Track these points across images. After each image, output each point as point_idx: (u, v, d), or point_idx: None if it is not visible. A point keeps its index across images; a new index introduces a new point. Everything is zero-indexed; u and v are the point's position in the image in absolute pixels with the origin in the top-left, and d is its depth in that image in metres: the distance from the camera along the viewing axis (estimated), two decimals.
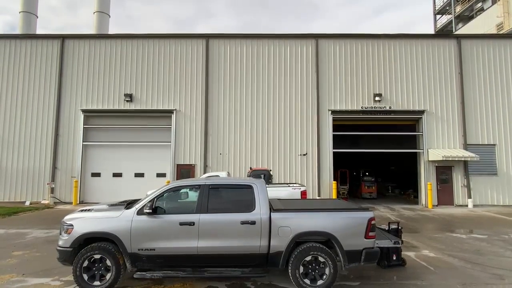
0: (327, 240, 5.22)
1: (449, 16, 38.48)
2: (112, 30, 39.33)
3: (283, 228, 5.11)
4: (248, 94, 16.97)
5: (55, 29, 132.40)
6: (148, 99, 17.02)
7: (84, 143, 16.75)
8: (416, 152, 17.16)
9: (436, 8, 40.45)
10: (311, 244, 5.12)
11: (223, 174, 12.55)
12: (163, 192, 5.42)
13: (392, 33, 17.42)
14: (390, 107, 16.73)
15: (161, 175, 16.80)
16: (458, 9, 36.29)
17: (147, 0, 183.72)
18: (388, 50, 17.06)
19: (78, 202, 16.02)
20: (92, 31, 37.83)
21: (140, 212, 5.19)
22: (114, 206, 5.76)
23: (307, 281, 5.04)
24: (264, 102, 16.91)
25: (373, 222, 5.20)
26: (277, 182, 15.40)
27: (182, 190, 5.76)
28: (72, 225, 5.15)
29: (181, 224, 5.10)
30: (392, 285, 5.52)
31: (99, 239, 5.15)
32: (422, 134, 16.61)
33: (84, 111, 16.89)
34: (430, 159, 16.21)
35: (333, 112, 16.71)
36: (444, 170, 16.36)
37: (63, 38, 17.40)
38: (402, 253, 5.89)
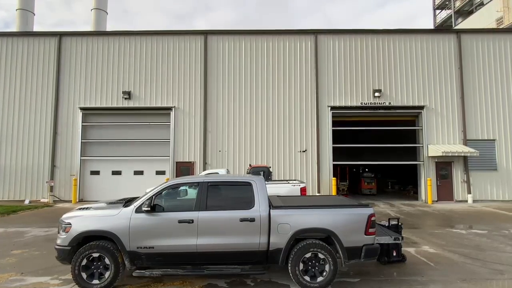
0: (327, 237, 5.20)
1: (448, 11, 38.32)
2: (108, 25, 39.08)
3: (283, 225, 5.09)
4: (247, 90, 16.89)
5: (51, 25, 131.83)
6: (146, 96, 16.94)
7: (83, 140, 16.67)
8: (416, 148, 17.15)
9: (436, 3, 40.26)
10: (310, 241, 5.09)
11: (222, 171, 12.51)
12: (161, 190, 5.39)
13: (391, 29, 17.34)
14: (389, 103, 16.67)
15: (160, 172, 16.77)
16: (458, 3, 36.13)
17: None
18: (388, 46, 16.97)
19: (77, 200, 16.00)
20: (89, 27, 37.63)
21: (138, 210, 5.15)
22: (112, 204, 5.73)
23: (307, 278, 5.02)
24: (263, 99, 16.84)
25: (373, 218, 5.17)
26: (276, 179, 15.38)
27: (181, 188, 5.73)
28: (70, 224, 5.11)
29: (180, 222, 5.06)
30: (392, 281, 5.50)
31: (97, 237, 5.11)
32: (422, 130, 16.58)
33: (82, 109, 16.81)
34: (429, 154, 16.18)
35: (333, 108, 16.65)
36: (444, 165, 16.35)
37: (60, 35, 17.27)
38: (402, 249, 5.87)
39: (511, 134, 16.40)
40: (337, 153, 16.84)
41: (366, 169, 21.21)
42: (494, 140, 16.43)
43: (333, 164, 16.59)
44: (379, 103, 16.66)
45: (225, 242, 5.05)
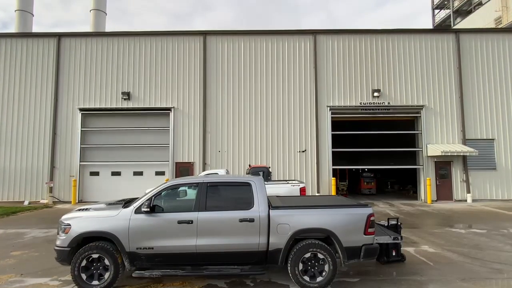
0: (326, 237, 5.20)
1: (447, 11, 38.35)
2: (107, 25, 39.03)
3: (282, 225, 5.09)
4: (246, 90, 16.90)
5: (48, 25, 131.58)
6: (146, 97, 16.94)
7: (82, 145, 16.68)
8: (415, 150, 17.15)
9: (435, 3, 40.26)
10: (310, 241, 5.09)
11: (221, 171, 12.51)
12: (161, 191, 5.39)
13: (390, 28, 17.36)
14: (389, 103, 16.69)
15: (160, 173, 16.77)
16: (456, 3, 36.15)
17: None
18: (387, 45, 16.99)
19: (77, 201, 15.99)
20: (88, 27, 37.60)
21: (138, 210, 5.15)
22: (112, 205, 5.73)
23: (306, 278, 5.03)
24: (263, 99, 16.85)
25: (372, 218, 5.18)
26: (276, 179, 15.39)
27: (180, 188, 5.73)
28: (69, 225, 5.11)
29: (180, 222, 5.07)
30: (391, 281, 5.51)
31: (97, 238, 5.12)
32: (421, 129, 16.59)
33: (81, 109, 16.81)
34: (429, 154, 16.20)
35: (332, 108, 16.67)
36: (443, 165, 16.37)
37: (59, 36, 17.26)
38: (401, 248, 5.88)
39: (510, 133, 16.43)
40: (337, 154, 16.85)
41: (366, 169, 21.21)
42: (493, 139, 16.46)
43: (332, 164, 16.58)
44: (378, 103, 16.68)
45: (225, 242, 5.05)
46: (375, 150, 17.81)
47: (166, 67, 17.06)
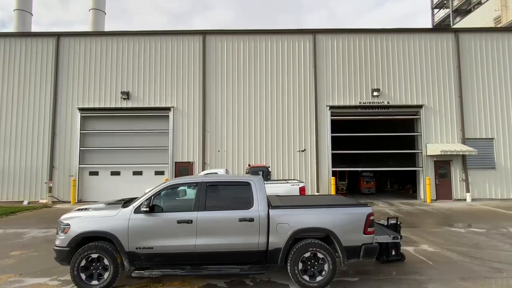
0: (326, 236, 5.19)
1: (447, 10, 38.35)
2: (107, 25, 38.97)
3: (282, 224, 5.09)
4: (246, 90, 16.89)
5: (47, 24, 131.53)
6: (145, 96, 16.92)
7: (81, 148, 16.67)
8: (414, 147, 17.16)
9: (434, 2, 40.26)
10: (310, 241, 5.09)
11: (221, 171, 12.50)
12: (160, 190, 5.38)
13: (390, 28, 17.36)
14: (388, 102, 16.69)
15: (159, 173, 16.75)
16: (456, 3, 36.16)
17: None
18: (386, 45, 16.99)
19: (76, 201, 15.97)
20: (86, 27, 37.55)
21: (137, 210, 5.14)
22: (111, 204, 5.72)
23: (306, 277, 5.03)
24: (262, 98, 16.84)
25: (371, 217, 5.17)
26: (275, 179, 15.38)
27: (180, 188, 5.72)
28: (69, 225, 5.10)
29: (179, 222, 5.06)
30: (391, 280, 5.51)
31: (96, 238, 5.11)
32: (421, 129, 16.59)
33: (80, 109, 16.78)
34: (428, 153, 16.21)
35: (331, 107, 16.66)
36: (442, 164, 16.38)
37: (58, 35, 17.23)
38: (401, 248, 5.89)
39: (509, 132, 16.45)
40: (336, 154, 16.83)
41: (365, 168, 21.21)
42: (492, 139, 16.47)
43: (332, 163, 16.57)
44: (378, 103, 16.68)
45: (224, 242, 5.05)
46: (374, 152, 17.80)
47: (166, 67, 17.04)
